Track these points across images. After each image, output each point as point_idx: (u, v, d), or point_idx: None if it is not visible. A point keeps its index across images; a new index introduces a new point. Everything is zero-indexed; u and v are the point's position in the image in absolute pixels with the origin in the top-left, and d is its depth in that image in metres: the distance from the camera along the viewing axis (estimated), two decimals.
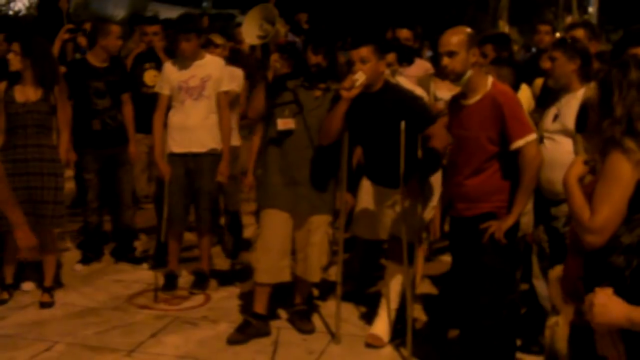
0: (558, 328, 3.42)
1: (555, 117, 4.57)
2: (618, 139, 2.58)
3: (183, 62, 6.06)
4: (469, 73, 4.22)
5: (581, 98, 4.18)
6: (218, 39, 6.78)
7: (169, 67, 6.14)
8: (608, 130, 2.72)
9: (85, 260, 6.82)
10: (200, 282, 6.24)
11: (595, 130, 2.85)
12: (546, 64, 4.60)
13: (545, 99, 5.26)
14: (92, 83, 6.56)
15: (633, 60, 2.85)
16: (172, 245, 6.32)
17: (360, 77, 4.66)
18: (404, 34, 6.67)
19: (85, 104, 6.57)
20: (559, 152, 4.48)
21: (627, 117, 2.64)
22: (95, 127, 6.58)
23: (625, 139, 2.56)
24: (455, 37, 4.24)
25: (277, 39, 5.16)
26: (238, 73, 6.72)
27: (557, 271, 3.51)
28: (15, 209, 3.93)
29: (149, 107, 6.35)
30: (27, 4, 17.63)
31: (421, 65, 6.95)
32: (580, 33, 5.56)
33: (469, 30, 4.33)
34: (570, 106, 4.44)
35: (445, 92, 5.94)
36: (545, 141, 4.59)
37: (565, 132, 4.49)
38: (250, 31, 5.09)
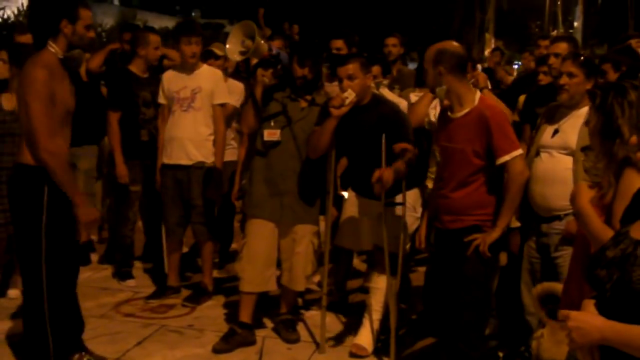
0: (543, 340, 3.48)
1: (555, 133, 4.56)
2: (634, 159, 2.64)
3: (179, 71, 6.10)
4: (444, 86, 4.29)
5: (584, 116, 4.24)
6: (219, 50, 6.71)
7: (166, 75, 6.19)
8: (621, 151, 2.77)
9: (122, 277, 6.69)
10: (196, 297, 6.18)
11: (604, 154, 2.91)
12: (563, 80, 4.54)
13: (529, 114, 5.31)
14: (140, 92, 6.49)
15: (628, 83, 2.92)
16: (171, 257, 6.33)
17: (350, 95, 4.72)
18: (338, 44, 6.62)
19: (134, 114, 6.48)
20: (556, 168, 4.48)
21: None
22: (143, 137, 6.50)
23: None
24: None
25: (260, 53, 5.21)
26: (238, 87, 6.73)
27: (538, 289, 3.57)
28: (75, 190, 4.29)
29: None
30: (16, 11, 17.58)
31: None
32: (563, 47, 5.60)
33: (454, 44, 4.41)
34: (571, 124, 4.47)
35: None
36: (542, 155, 4.59)
37: (565, 148, 4.49)
38: (233, 49, 5.17)
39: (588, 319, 2.22)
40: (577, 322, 2.20)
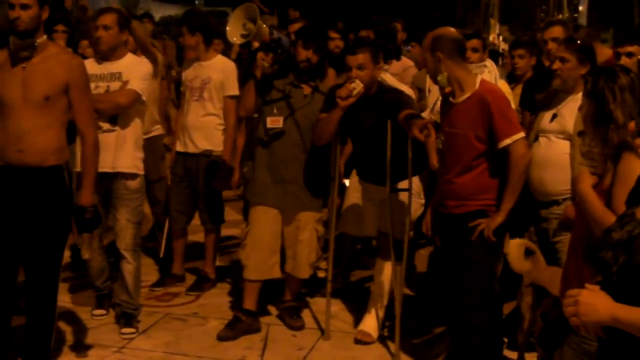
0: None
1: (553, 118, 4.54)
2: (633, 145, 2.62)
3: (195, 60, 6.14)
4: (445, 72, 4.26)
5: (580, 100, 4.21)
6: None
7: (185, 64, 6.28)
8: (616, 136, 2.75)
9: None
10: (199, 285, 6.18)
11: (598, 139, 2.89)
12: (556, 65, 4.51)
13: (528, 101, 5.28)
14: None
15: (617, 67, 2.89)
16: (174, 245, 6.35)
17: (357, 86, 4.69)
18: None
19: None
20: (554, 153, 4.46)
21: (629, 120, 2.67)
22: None
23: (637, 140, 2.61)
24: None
25: (262, 37, 5.19)
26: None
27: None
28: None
29: None
30: None
31: (401, 63, 6.85)
32: (557, 31, 5.57)
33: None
34: (569, 108, 4.44)
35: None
36: (541, 140, 4.56)
37: (563, 133, 4.46)
38: (235, 31, 5.15)
39: (601, 296, 2.19)
40: (589, 298, 2.18)
